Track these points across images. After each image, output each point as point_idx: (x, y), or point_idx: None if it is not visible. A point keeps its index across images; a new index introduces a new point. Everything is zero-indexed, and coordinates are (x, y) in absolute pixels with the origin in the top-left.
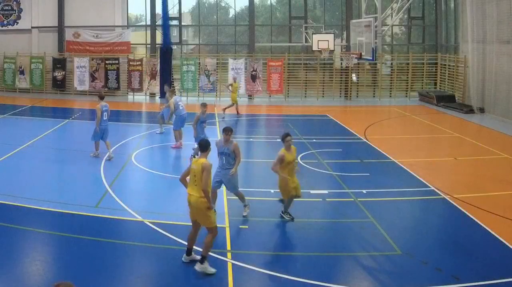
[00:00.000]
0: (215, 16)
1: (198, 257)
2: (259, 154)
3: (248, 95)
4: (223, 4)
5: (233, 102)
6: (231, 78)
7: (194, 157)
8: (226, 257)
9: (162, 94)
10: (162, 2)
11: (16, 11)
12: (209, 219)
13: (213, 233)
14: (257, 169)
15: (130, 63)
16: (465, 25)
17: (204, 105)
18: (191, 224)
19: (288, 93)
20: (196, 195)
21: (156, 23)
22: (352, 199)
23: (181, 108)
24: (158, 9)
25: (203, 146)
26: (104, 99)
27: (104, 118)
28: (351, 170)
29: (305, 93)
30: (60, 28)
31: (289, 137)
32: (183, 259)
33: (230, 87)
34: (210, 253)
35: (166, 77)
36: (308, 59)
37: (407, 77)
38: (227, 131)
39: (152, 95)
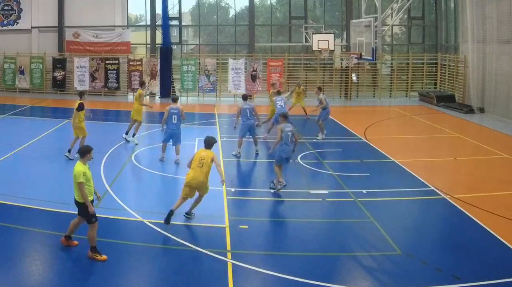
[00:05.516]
0: (215, 16)
1: None
2: (259, 153)
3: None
4: (223, 4)
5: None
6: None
7: None
8: (226, 257)
9: (162, 94)
10: (162, 2)
11: (16, 11)
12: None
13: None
14: (257, 168)
15: (130, 63)
16: (465, 25)
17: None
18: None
19: None
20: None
21: (156, 23)
22: (352, 199)
23: (278, 107)
24: (158, 9)
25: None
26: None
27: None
28: (351, 170)
29: (305, 94)
30: (60, 28)
31: None
32: None
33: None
34: (210, 253)
35: (166, 78)
36: (308, 59)
37: (407, 77)
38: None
39: (152, 95)
